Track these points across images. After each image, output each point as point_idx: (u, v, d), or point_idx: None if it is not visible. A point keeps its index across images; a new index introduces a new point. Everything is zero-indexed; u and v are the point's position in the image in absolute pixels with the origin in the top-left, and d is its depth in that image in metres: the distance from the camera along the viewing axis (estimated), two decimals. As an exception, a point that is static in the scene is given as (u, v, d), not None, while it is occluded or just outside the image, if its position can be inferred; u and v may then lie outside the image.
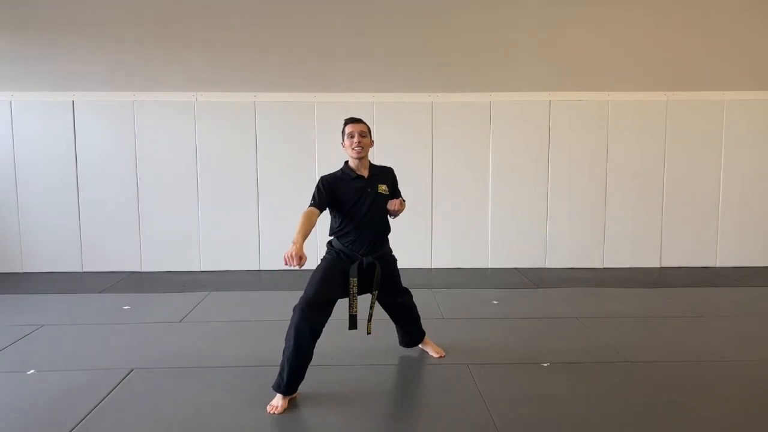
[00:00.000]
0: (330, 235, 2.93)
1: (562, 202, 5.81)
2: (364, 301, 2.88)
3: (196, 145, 5.66)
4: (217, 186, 5.69)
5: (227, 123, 5.66)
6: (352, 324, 2.83)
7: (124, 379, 2.93)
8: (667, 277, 5.45)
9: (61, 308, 4.34)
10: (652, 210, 5.85)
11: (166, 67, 5.62)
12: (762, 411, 2.58)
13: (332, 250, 2.89)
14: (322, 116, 5.65)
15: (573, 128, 5.75)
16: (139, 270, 5.74)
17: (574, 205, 5.82)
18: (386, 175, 3.01)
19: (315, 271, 2.81)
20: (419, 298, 3.36)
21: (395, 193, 3.03)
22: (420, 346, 3.32)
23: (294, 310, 2.60)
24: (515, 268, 5.80)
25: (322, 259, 2.89)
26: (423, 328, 3.29)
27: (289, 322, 2.61)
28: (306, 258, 2.43)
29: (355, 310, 2.81)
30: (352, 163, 2.92)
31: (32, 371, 3.05)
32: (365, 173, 2.91)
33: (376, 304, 2.96)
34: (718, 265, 5.89)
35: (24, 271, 5.71)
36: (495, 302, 4.45)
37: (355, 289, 2.78)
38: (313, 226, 2.66)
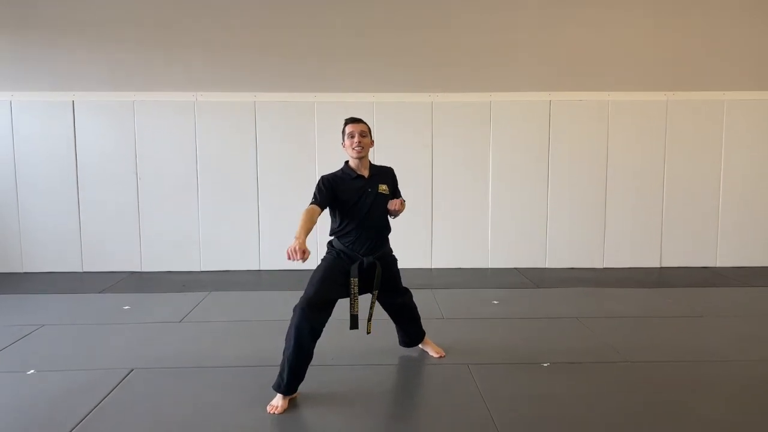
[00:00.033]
0: (330, 235, 2.93)
1: (562, 202, 5.81)
2: (364, 300, 2.88)
3: (196, 145, 5.66)
4: (217, 186, 5.69)
5: (227, 123, 5.66)
6: (354, 324, 2.83)
7: (124, 379, 2.93)
8: (667, 277, 5.45)
9: (61, 308, 4.34)
10: (652, 210, 5.85)
11: (166, 67, 5.62)
12: (762, 411, 2.58)
13: (332, 250, 2.89)
14: (322, 116, 5.65)
15: (573, 128, 5.76)
16: (139, 270, 5.74)
17: (574, 205, 5.82)
18: (386, 175, 3.02)
19: (315, 271, 2.81)
20: (419, 298, 3.36)
21: (395, 193, 3.03)
22: (420, 346, 3.32)
23: (294, 310, 2.60)
24: (515, 268, 5.80)
25: (322, 259, 2.89)
26: (423, 328, 3.29)
27: (289, 322, 2.61)
28: (309, 252, 2.42)
29: (356, 310, 2.81)
30: (352, 163, 2.92)
31: (32, 371, 3.05)
32: (365, 173, 2.91)
33: (376, 303, 2.96)
34: (718, 265, 5.89)
35: (24, 271, 5.71)
36: (495, 302, 4.45)
37: (356, 289, 2.78)
38: (315, 223, 2.65)
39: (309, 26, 5.64)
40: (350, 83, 5.69)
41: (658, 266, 5.89)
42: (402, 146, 5.63)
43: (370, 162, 2.97)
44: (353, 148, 2.84)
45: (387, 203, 2.91)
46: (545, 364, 3.12)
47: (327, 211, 2.84)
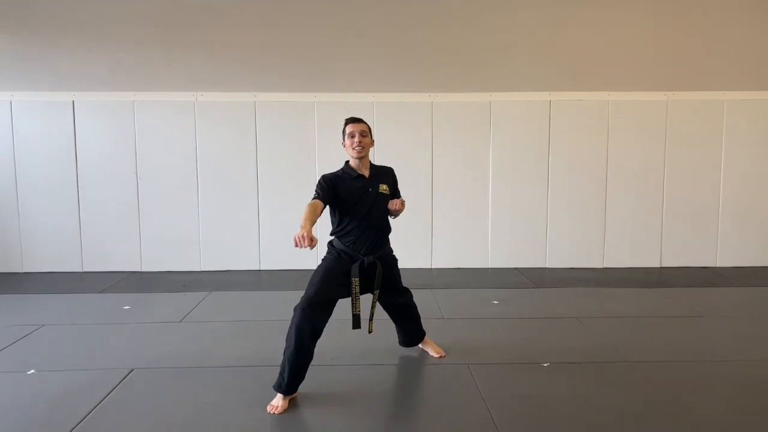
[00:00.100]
0: (331, 234, 2.93)
1: (562, 202, 5.81)
2: (365, 300, 2.88)
3: (196, 145, 5.66)
4: (217, 186, 5.69)
5: (227, 123, 5.66)
6: (356, 323, 2.82)
7: (124, 379, 2.93)
8: (667, 277, 5.45)
9: (61, 308, 4.33)
10: (652, 210, 5.85)
11: (166, 67, 5.62)
12: (762, 411, 2.58)
13: (333, 250, 2.89)
14: (322, 116, 5.65)
15: (573, 128, 5.76)
16: (139, 270, 5.74)
17: (574, 205, 5.82)
18: (387, 175, 3.02)
19: (316, 270, 2.81)
20: (419, 298, 3.36)
21: (395, 193, 3.04)
22: (420, 346, 3.32)
23: (295, 309, 2.60)
24: (515, 268, 5.80)
25: (323, 259, 2.89)
26: (423, 327, 3.29)
27: (289, 322, 2.61)
28: (317, 240, 2.39)
29: (358, 309, 2.80)
30: (352, 163, 2.92)
31: (32, 371, 3.05)
32: (366, 173, 2.91)
33: (377, 303, 2.96)
34: (718, 265, 5.89)
35: (24, 271, 5.71)
36: (495, 302, 4.45)
37: (358, 289, 2.78)
38: (318, 216, 2.63)
39: (309, 26, 5.64)
40: (350, 83, 5.69)
41: (658, 266, 5.89)
42: (402, 146, 5.64)
43: (370, 162, 2.97)
44: (353, 148, 2.84)
45: (387, 203, 2.91)
46: (545, 364, 3.12)
47: (327, 211, 2.84)
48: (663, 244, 5.88)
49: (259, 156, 5.68)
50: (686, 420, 2.47)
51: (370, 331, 2.98)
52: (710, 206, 5.85)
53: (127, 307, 4.34)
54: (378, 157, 4.94)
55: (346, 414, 2.55)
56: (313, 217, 2.57)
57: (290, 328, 2.59)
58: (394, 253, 3.07)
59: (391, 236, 3.03)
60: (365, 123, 2.93)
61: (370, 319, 2.96)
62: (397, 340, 3.32)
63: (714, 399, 2.69)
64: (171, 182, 5.66)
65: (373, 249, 2.86)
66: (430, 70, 5.71)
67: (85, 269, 5.71)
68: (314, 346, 2.63)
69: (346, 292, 2.78)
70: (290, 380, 2.58)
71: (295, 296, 2.72)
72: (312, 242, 2.36)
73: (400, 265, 3.11)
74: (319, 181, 2.82)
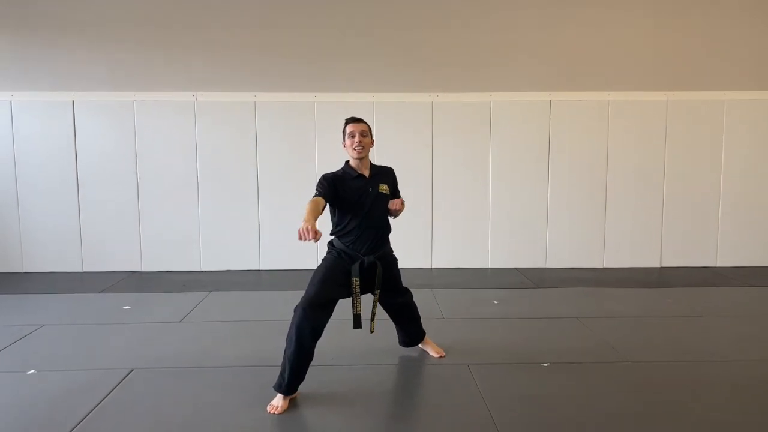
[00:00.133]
0: (331, 234, 2.93)
1: (562, 202, 5.81)
2: (366, 300, 2.88)
3: (196, 145, 5.66)
4: (217, 185, 5.69)
5: (227, 123, 5.66)
6: (357, 323, 2.82)
7: (124, 379, 2.93)
8: (667, 277, 5.45)
9: (61, 308, 4.34)
10: (652, 210, 5.85)
11: (166, 67, 5.62)
12: (762, 411, 2.58)
13: (333, 249, 2.89)
14: (322, 116, 5.65)
15: (573, 128, 5.76)
16: (139, 270, 5.74)
17: (574, 205, 5.82)
18: (387, 174, 3.02)
19: (316, 270, 2.81)
20: (419, 298, 3.36)
21: (395, 193, 3.04)
22: (420, 346, 3.32)
23: (295, 310, 2.60)
24: (515, 268, 5.80)
25: (323, 259, 2.89)
26: (423, 327, 3.29)
27: (289, 322, 2.61)
28: (321, 234, 2.38)
29: (358, 309, 2.81)
30: (352, 163, 2.92)
31: (32, 371, 3.05)
32: (366, 173, 2.91)
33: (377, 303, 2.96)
34: (718, 265, 5.89)
35: (24, 271, 5.71)
36: (495, 302, 4.45)
37: (358, 289, 2.78)
38: (320, 213, 2.63)
39: (309, 26, 5.64)
40: (350, 83, 5.69)
41: (658, 266, 5.89)
42: (402, 146, 5.64)
43: (370, 162, 2.97)
44: (354, 148, 2.84)
45: (387, 203, 2.91)
46: (545, 364, 3.12)
47: (327, 211, 2.84)
48: (663, 244, 5.88)
49: (259, 156, 5.68)
50: (686, 420, 2.47)
51: (372, 331, 2.99)
52: (710, 206, 5.85)
53: (127, 307, 4.34)
54: (378, 157, 4.94)
55: (346, 414, 2.55)
56: (315, 213, 2.57)
57: (290, 328, 2.59)
58: (394, 253, 3.07)
59: (391, 236, 3.03)
60: (365, 123, 2.93)
61: (372, 319, 2.96)
62: (397, 340, 3.32)
63: (714, 399, 2.69)
64: (171, 182, 5.66)
65: (374, 249, 2.86)
66: (430, 70, 5.71)
67: (85, 269, 5.72)
68: (314, 346, 2.63)
69: (347, 292, 2.78)
70: (290, 380, 2.58)
71: (295, 296, 2.72)
72: (317, 235, 2.35)
73: (400, 265, 3.11)
74: (319, 180, 2.82)
